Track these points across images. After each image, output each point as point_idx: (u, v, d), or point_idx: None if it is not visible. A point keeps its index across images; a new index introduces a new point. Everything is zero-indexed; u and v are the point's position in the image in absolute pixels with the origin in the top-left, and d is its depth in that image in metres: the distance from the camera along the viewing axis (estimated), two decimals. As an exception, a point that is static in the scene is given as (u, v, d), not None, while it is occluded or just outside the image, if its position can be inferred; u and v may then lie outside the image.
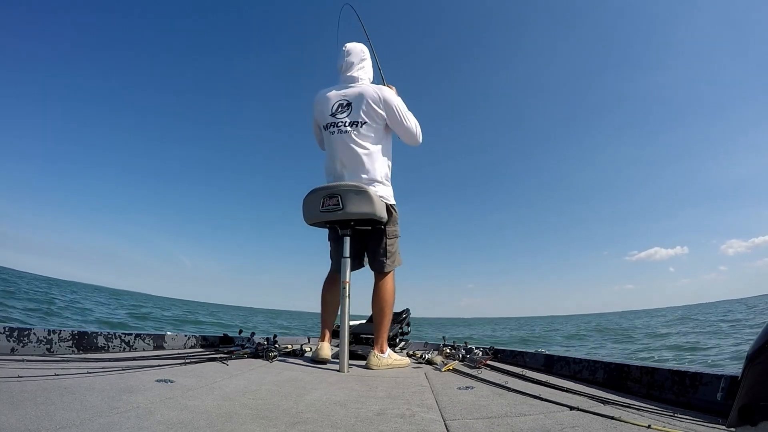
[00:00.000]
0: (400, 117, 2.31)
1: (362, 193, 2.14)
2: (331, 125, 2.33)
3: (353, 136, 2.28)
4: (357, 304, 2.26)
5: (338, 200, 2.15)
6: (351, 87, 2.35)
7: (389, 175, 2.40)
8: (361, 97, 2.29)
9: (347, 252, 2.20)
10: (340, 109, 2.32)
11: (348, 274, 2.17)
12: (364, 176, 2.27)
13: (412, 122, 2.36)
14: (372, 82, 2.44)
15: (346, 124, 2.29)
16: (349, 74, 2.38)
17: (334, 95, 2.35)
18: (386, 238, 2.34)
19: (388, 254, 2.34)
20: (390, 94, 2.33)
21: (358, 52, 2.41)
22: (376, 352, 2.24)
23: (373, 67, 2.49)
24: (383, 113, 2.29)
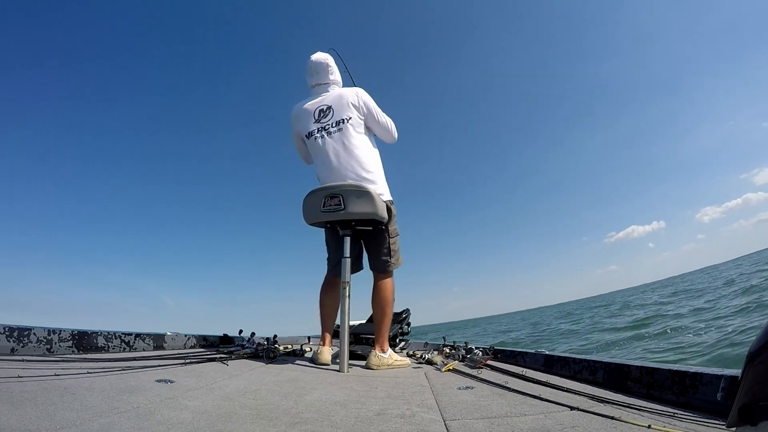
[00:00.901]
0: (376, 114, 2.40)
1: (364, 194, 2.16)
2: (317, 131, 2.35)
3: (341, 135, 2.31)
4: (354, 307, 2.26)
5: (340, 200, 2.15)
6: (326, 93, 2.41)
7: (383, 172, 2.42)
8: (339, 98, 2.36)
9: (347, 252, 2.20)
10: (321, 114, 2.36)
11: (348, 274, 2.17)
12: (361, 173, 2.28)
13: (386, 118, 2.45)
14: (343, 86, 2.50)
15: (332, 125, 2.33)
16: (320, 84, 2.44)
17: (312, 104, 2.40)
18: (388, 237, 2.35)
19: (392, 253, 2.35)
20: (365, 93, 2.41)
21: (324, 64, 2.44)
22: (377, 352, 2.24)
23: (344, 79, 2.54)
24: (364, 109, 2.37)
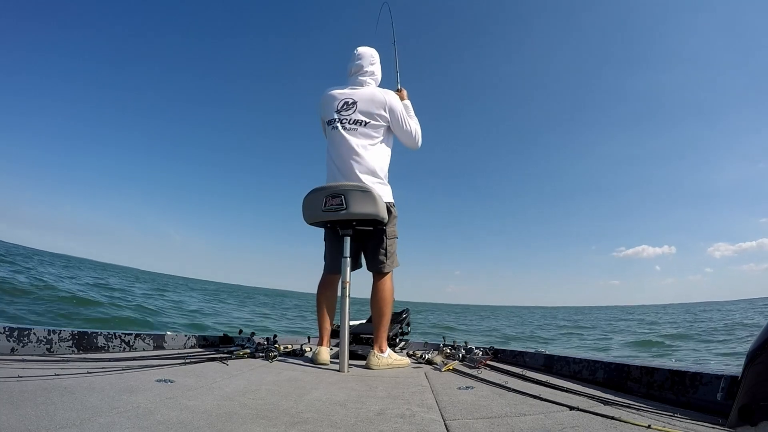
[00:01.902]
0: (401, 121, 2.40)
1: (366, 194, 2.16)
2: (335, 121, 2.38)
3: (356, 133, 2.33)
4: (353, 307, 2.25)
5: (342, 200, 2.15)
6: (358, 88, 2.42)
7: (387, 174, 2.44)
8: (366, 97, 2.37)
9: (348, 252, 2.20)
10: (345, 107, 2.37)
11: (348, 274, 2.17)
12: (364, 173, 2.29)
13: (413, 127, 2.44)
14: (379, 86, 2.50)
15: (350, 122, 2.34)
16: (357, 77, 2.45)
17: (341, 93, 2.42)
18: (386, 238, 2.35)
19: (388, 255, 2.35)
20: (394, 98, 2.40)
21: (368, 56, 2.47)
22: (376, 352, 2.24)
23: (391, 68, 2.59)
24: (387, 116, 2.37)
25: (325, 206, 2.19)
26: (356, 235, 2.34)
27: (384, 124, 2.37)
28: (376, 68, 2.49)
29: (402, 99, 2.49)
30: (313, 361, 2.29)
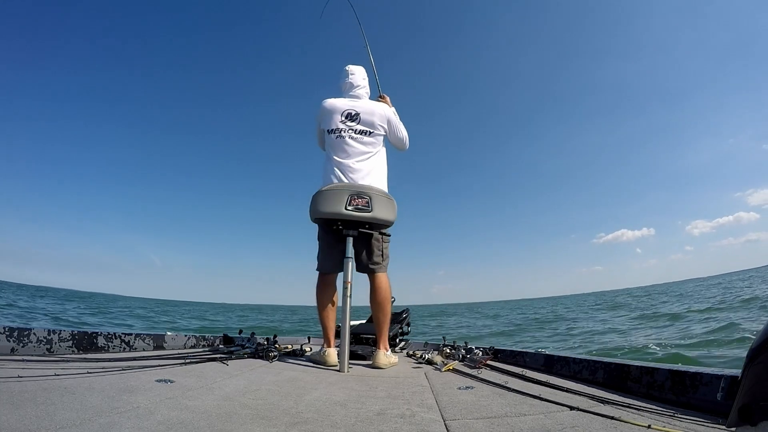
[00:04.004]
0: (396, 131, 2.61)
1: (390, 201, 2.32)
2: (338, 131, 2.46)
3: (362, 141, 2.45)
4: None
5: (368, 201, 2.22)
6: (357, 100, 2.56)
7: (386, 180, 2.54)
8: (367, 109, 2.52)
9: (350, 252, 2.21)
10: (349, 118, 2.49)
11: (350, 274, 2.17)
12: (372, 179, 2.39)
13: (403, 133, 2.65)
14: (369, 97, 2.67)
15: (356, 131, 2.46)
16: (352, 92, 2.59)
17: (343, 104, 2.53)
18: (382, 241, 2.44)
19: (384, 256, 2.44)
20: (390, 110, 2.60)
21: (360, 72, 2.66)
22: (384, 351, 2.26)
23: (369, 72, 2.73)
24: (386, 126, 2.54)
25: (349, 204, 2.19)
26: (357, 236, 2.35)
27: (383, 133, 2.54)
28: (366, 83, 2.67)
29: (388, 106, 2.66)
30: (324, 363, 2.27)
